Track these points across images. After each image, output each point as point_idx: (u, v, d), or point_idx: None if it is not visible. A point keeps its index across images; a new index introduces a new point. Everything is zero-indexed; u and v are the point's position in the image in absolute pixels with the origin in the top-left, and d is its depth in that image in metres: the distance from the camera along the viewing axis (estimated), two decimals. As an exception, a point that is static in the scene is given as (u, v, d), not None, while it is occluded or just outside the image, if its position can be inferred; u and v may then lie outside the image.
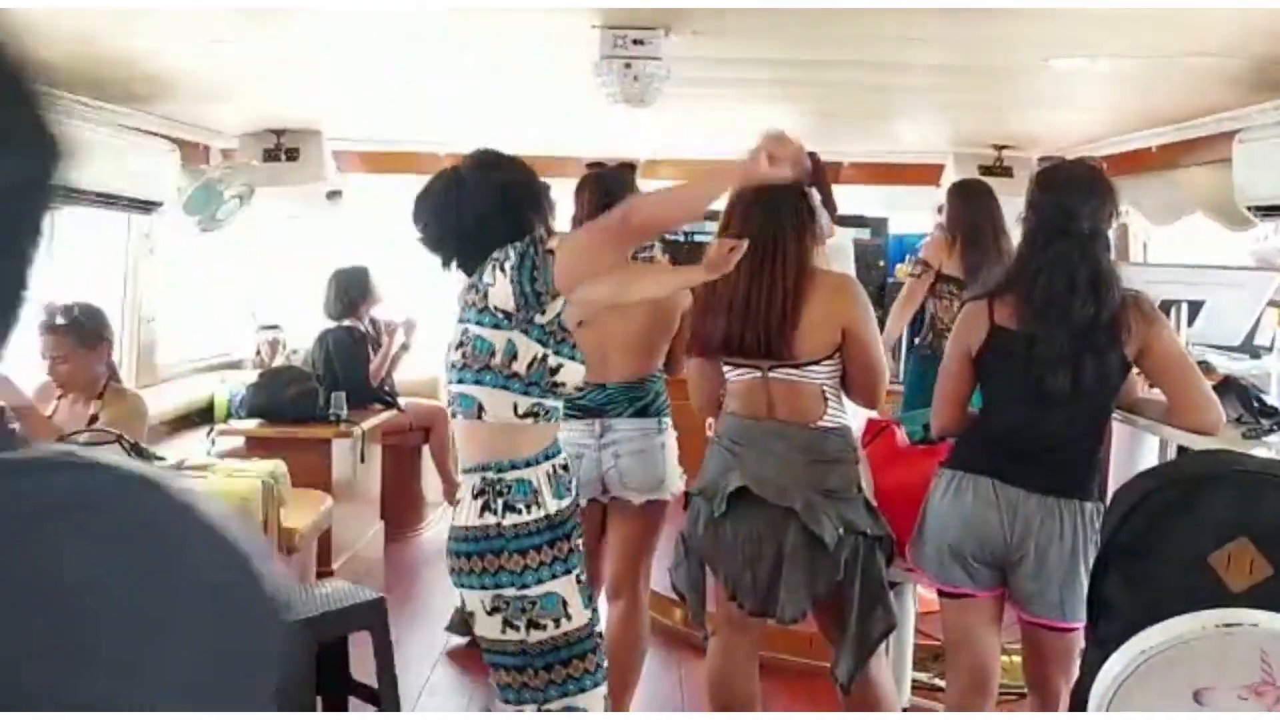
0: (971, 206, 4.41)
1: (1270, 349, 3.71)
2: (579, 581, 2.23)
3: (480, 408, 2.20)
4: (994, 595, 2.47)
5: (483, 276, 2.20)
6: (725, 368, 2.75)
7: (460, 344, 2.23)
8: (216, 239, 5.48)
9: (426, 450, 5.59)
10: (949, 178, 5.45)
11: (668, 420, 3.10)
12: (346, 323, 4.98)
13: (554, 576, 2.16)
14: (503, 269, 2.14)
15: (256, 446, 4.27)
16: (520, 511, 2.15)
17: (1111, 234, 5.27)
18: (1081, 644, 2.52)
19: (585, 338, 2.65)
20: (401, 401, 5.08)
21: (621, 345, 3.01)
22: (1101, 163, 4.15)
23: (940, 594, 2.56)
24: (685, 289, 2.88)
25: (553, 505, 2.19)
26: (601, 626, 2.35)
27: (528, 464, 2.18)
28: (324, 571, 4.19)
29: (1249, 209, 3.58)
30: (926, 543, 2.53)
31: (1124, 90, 3.84)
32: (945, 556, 2.47)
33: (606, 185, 3.03)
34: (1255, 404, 2.49)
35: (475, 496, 2.18)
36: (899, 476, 2.89)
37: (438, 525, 5.72)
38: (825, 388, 2.65)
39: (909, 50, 3.24)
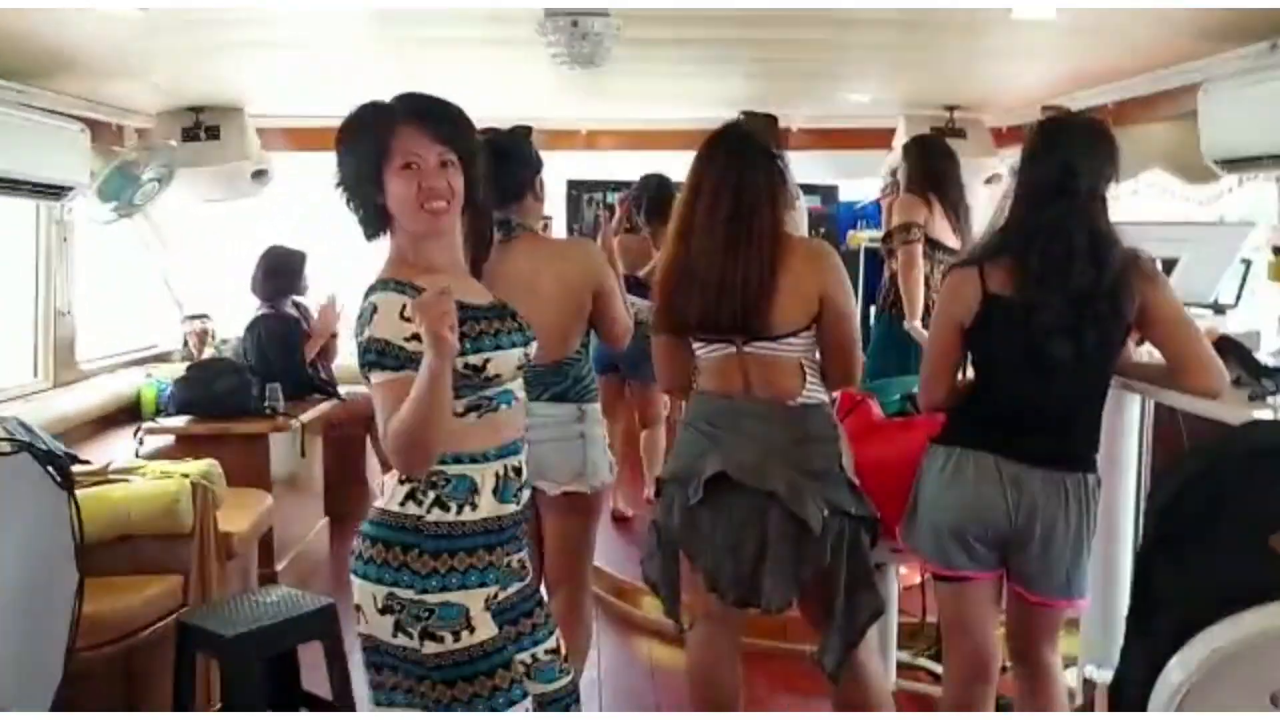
0: (939, 159, 4.31)
1: (1235, 305, 3.65)
2: (494, 598, 1.95)
3: None
4: (994, 576, 2.35)
5: None
6: (695, 344, 2.58)
7: None
8: (136, 224, 5.16)
9: (369, 441, 5.35)
10: (900, 141, 5.34)
11: (591, 408, 2.90)
12: (279, 309, 4.69)
13: (461, 587, 1.89)
14: None
15: (188, 445, 4.00)
16: (449, 509, 1.89)
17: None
18: (1069, 613, 2.43)
19: None
20: (341, 390, 4.82)
21: (539, 324, 2.79)
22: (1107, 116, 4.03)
23: (936, 577, 2.43)
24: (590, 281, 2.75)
25: (490, 509, 1.93)
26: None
27: (473, 459, 1.92)
28: (266, 574, 3.96)
29: (1215, 162, 3.49)
30: (921, 523, 2.39)
31: (1082, 44, 3.73)
32: (943, 538, 2.33)
33: (499, 149, 2.74)
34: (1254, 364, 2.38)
35: (402, 482, 1.91)
36: (878, 452, 2.75)
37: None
38: (803, 361, 2.49)
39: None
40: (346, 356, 5.21)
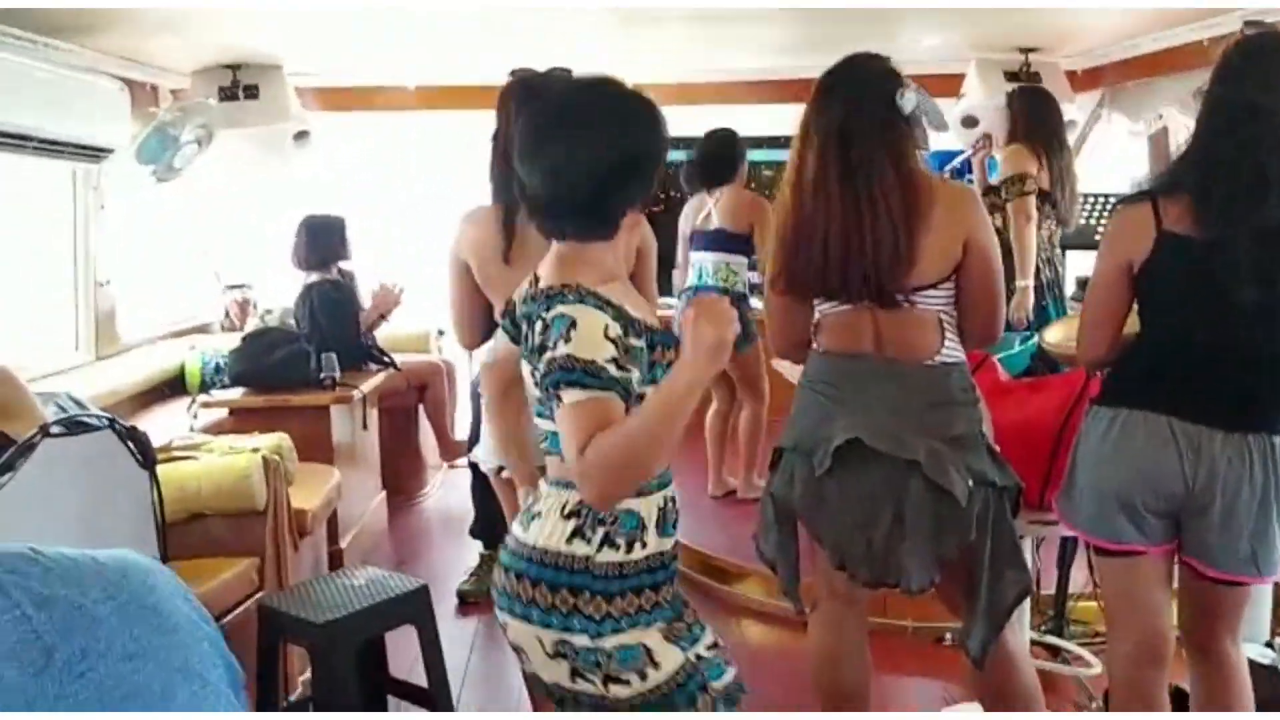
0: (1048, 110, 4.13)
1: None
2: (670, 627, 1.75)
3: None
4: (1166, 550, 2.13)
5: None
6: (817, 300, 2.36)
7: None
8: (169, 191, 4.94)
9: (421, 410, 5.16)
10: (971, 87, 5.07)
11: None
12: (331, 275, 4.48)
13: (634, 626, 1.70)
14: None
15: (244, 419, 3.81)
16: (619, 548, 1.69)
17: (1148, 139, 4.92)
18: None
19: (518, 275, 2.02)
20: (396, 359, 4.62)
21: None
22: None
23: (1100, 552, 2.21)
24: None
25: (655, 544, 1.74)
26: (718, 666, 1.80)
27: (639, 493, 1.71)
28: (332, 551, 3.78)
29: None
30: (1083, 494, 2.17)
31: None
32: (1110, 509, 2.11)
33: (535, 92, 2.52)
34: None
35: (566, 516, 1.71)
36: (1010, 416, 2.54)
37: (440, 490, 5.32)
38: (942, 315, 2.27)
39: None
40: (394, 326, 5.01)
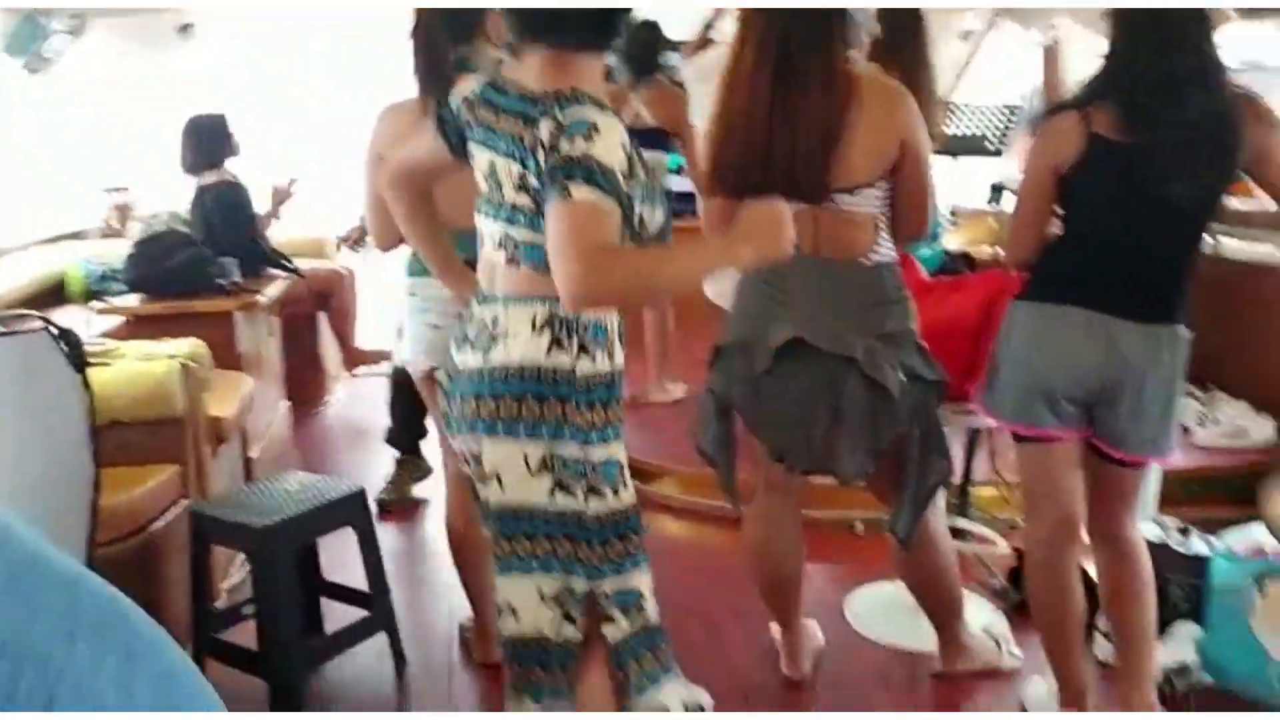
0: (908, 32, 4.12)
1: None
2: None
3: None
4: (1080, 436, 2.28)
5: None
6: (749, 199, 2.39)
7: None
8: (37, 85, 4.60)
9: (322, 318, 5.03)
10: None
11: None
12: (226, 177, 4.27)
13: (615, 439, 1.78)
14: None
15: (143, 326, 3.65)
16: (594, 359, 1.74)
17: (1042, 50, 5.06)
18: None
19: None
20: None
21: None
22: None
23: (1019, 438, 2.34)
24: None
25: (619, 357, 1.81)
26: None
27: None
28: (244, 460, 3.69)
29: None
30: (1005, 385, 2.29)
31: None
32: (1031, 398, 2.24)
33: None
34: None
35: (539, 329, 1.72)
36: (932, 313, 2.64)
37: (343, 399, 5.23)
38: (878, 216, 2.34)
39: None
40: (290, 230, 4.84)
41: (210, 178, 4.26)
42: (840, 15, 2.29)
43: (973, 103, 5.02)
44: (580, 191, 1.58)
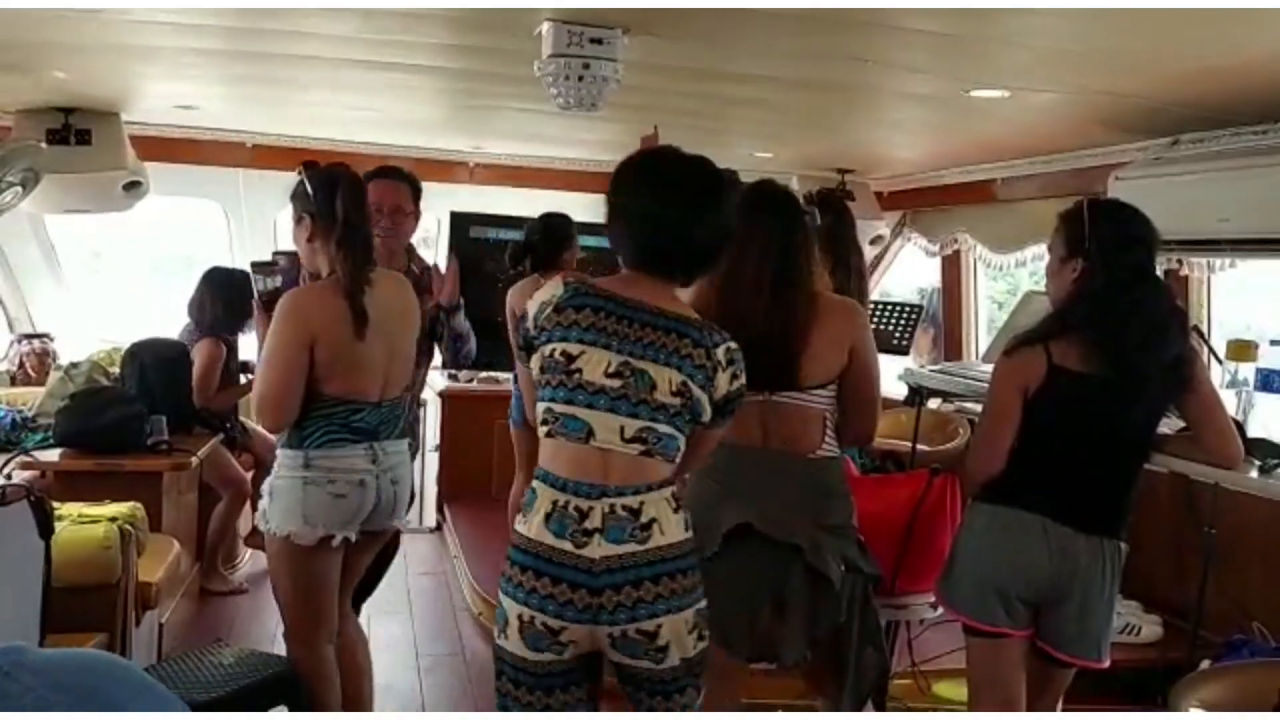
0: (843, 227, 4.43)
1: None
2: None
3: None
4: (1027, 635, 2.43)
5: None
6: None
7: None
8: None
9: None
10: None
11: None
12: (171, 336, 4.29)
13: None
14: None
15: (64, 481, 3.57)
16: (686, 526, 2.06)
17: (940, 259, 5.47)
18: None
19: (374, 350, 2.62)
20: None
21: (404, 357, 2.78)
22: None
23: (971, 632, 2.48)
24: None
25: None
26: None
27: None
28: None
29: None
30: (963, 579, 2.45)
31: (1005, 122, 3.95)
32: (987, 594, 2.39)
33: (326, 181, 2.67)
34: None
35: (676, 510, 2.02)
36: (865, 507, 2.80)
37: (249, 563, 5.07)
38: (826, 414, 2.52)
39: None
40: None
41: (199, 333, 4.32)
42: (810, 233, 2.54)
43: (881, 300, 5.41)
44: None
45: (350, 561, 2.75)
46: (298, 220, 2.71)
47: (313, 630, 2.65)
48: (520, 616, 1.96)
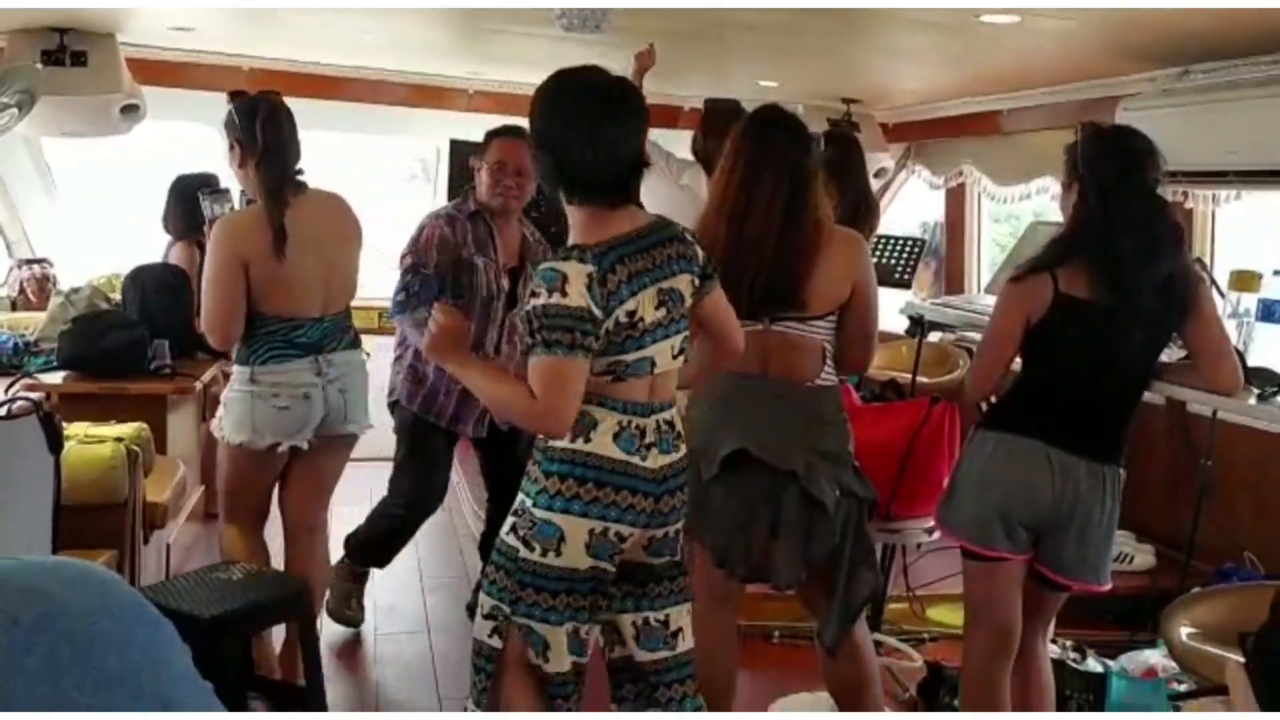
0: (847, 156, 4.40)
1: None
2: None
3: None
4: (1025, 559, 2.47)
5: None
6: None
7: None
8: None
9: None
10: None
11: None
12: (166, 260, 4.28)
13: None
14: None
15: (69, 405, 3.59)
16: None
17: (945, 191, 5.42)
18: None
19: (305, 267, 2.74)
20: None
21: (343, 273, 2.94)
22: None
23: (969, 555, 2.51)
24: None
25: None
26: None
27: None
28: (164, 547, 3.63)
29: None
30: (964, 504, 2.48)
31: (1014, 52, 3.89)
32: (988, 519, 2.42)
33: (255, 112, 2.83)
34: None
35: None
36: (863, 435, 2.83)
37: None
38: (825, 344, 2.53)
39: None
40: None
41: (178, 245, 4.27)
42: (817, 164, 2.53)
43: (883, 235, 5.38)
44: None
45: (318, 464, 2.93)
46: (230, 147, 2.86)
47: (244, 514, 2.90)
48: (592, 530, 2.01)
